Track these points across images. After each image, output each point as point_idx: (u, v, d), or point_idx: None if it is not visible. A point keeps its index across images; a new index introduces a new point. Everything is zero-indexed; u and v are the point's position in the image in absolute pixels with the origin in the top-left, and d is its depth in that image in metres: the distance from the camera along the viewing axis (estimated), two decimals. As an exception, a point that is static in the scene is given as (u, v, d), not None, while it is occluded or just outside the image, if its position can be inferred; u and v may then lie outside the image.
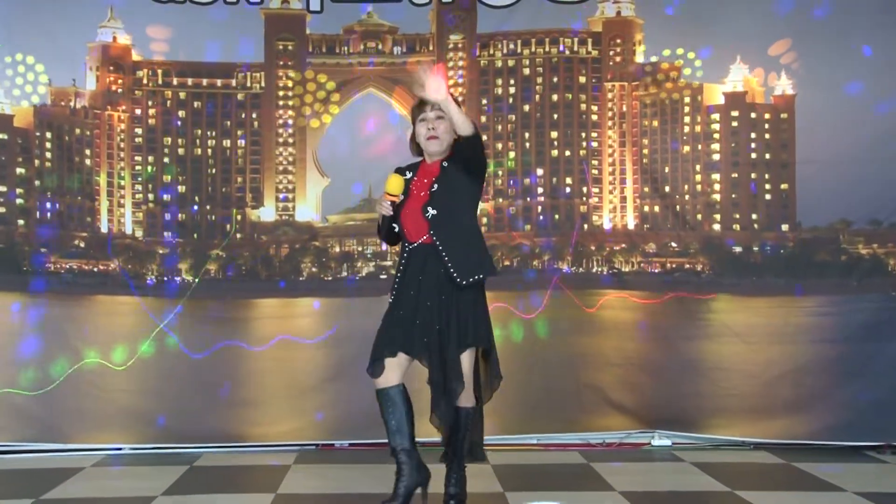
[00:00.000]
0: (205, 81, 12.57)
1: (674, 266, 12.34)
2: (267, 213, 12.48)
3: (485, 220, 13.07)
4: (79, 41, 11.28)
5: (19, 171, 11.09)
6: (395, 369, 7.48)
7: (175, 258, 11.80)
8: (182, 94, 13.33)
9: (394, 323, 7.53)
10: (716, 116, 13.22)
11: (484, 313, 7.70)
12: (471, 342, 7.47)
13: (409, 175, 7.84)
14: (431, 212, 7.45)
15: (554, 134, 14.14)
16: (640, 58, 12.36)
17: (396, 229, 7.79)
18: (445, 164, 7.82)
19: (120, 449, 10.59)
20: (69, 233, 11.11)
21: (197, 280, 11.50)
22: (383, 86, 12.57)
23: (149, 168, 12.05)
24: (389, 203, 7.71)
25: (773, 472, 9.61)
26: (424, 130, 7.72)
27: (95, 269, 11.17)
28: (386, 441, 7.44)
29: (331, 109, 11.92)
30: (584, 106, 13.89)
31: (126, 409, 10.76)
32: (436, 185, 7.70)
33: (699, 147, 13.62)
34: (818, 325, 10.93)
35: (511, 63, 13.19)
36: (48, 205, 11.06)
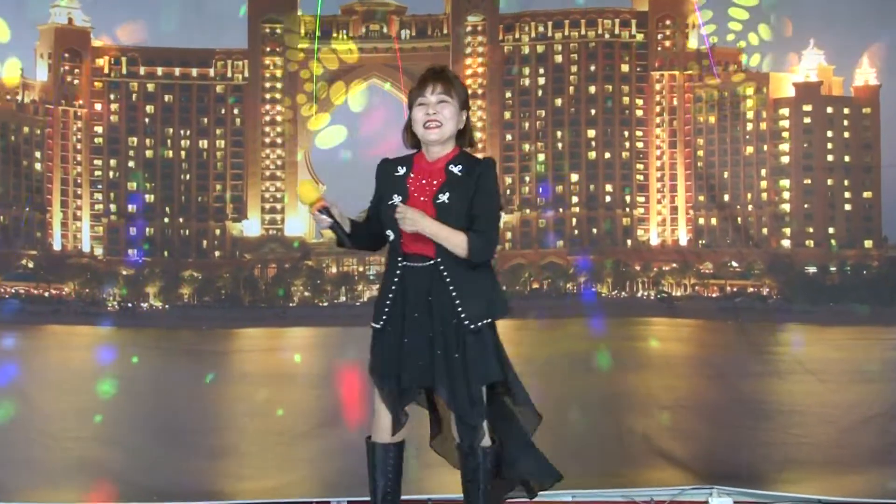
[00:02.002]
0: (177, 71, 12.61)
1: (734, 289, 12.33)
2: (251, 226, 12.50)
3: (508, 234, 13.08)
4: (27, 23, 11.33)
5: (-44, 177, 11.18)
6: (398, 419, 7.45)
7: (142, 280, 11.81)
8: (150, 86, 13.40)
9: (393, 351, 7.48)
10: (784, 111, 13.21)
11: (491, 348, 7.68)
12: (484, 380, 7.47)
13: (402, 171, 7.71)
14: None
15: (591, 132, 14.17)
16: (693, 42, 12.31)
17: (391, 237, 7.64)
18: (456, 168, 7.69)
19: (76, 508, 10.59)
20: (15, 251, 11.17)
21: (168, 306, 11.51)
22: (389, 76, 12.63)
23: (111, 173, 12.06)
24: (324, 215, 7.59)
25: (856, 538, 9.56)
26: (422, 116, 7.43)
27: (47, 294, 11.23)
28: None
29: (327, 104, 11.98)
30: (626, 99, 13.92)
31: (84, 461, 10.76)
32: (444, 196, 7.60)
33: (764, 148, 13.60)
34: (909, 360, 10.90)
35: (540, 49, 13.22)
36: (-10, 217, 11.13)
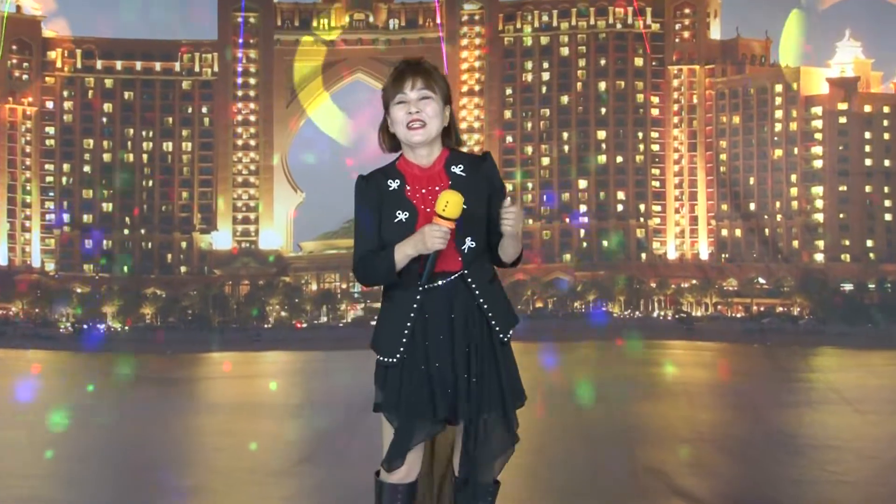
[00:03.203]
0: (139, 65, 12.54)
1: (762, 309, 12.27)
2: (221, 238, 12.41)
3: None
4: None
5: None
6: (417, 458, 7.40)
7: (98, 299, 11.76)
8: (108, 82, 13.33)
9: (419, 384, 7.39)
10: (817, 110, 13.16)
11: (516, 365, 7.74)
12: (518, 399, 7.48)
13: (394, 185, 7.60)
14: (469, 244, 7.27)
15: (601, 133, 14.13)
16: (716, 33, 12.27)
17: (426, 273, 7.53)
18: (458, 169, 7.64)
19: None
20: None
21: (128, 328, 11.48)
22: (376, 70, 12.54)
23: (64, 179, 12.02)
24: (445, 233, 7.17)
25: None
26: (403, 115, 7.39)
27: (-8, 314, 11.17)
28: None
29: (307, 102, 11.91)
30: (641, 97, 13.87)
31: (32, 501, 10.73)
32: (463, 203, 7.59)
33: (795, 151, 13.60)
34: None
35: (544, 40, 13.17)
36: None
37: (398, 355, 7.16)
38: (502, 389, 7.25)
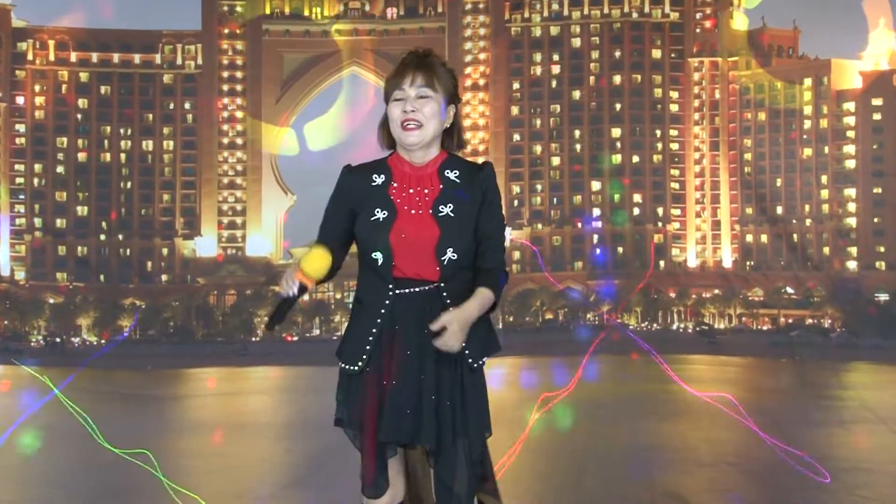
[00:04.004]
0: (116, 57, 12.56)
1: (790, 321, 12.28)
2: (206, 244, 12.44)
3: (516, 254, 13.03)
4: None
5: None
6: (399, 478, 7.41)
7: (72, 310, 11.79)
8: (84, 76, 13.35)
9: (390, 401, 7.40)
10: (849, 106, 13.17)
11: (485, 394, 7.68)
12: (480, 432, 7.44)
13: (379, 180, 7.58)
14: (450, 255, 7.25)
15: (616, 131, 14.14)
16: (739, 22, 12.29)
17: (380, 261, 7.52)
18: (452, 174, 7.61)
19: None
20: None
21: (104, 342, 11.50)
22: (373, 63, 12.55)
23: (35, 181, 12.06)
24: (296, 284, 7.23)
25: None
26: (398, 113, 7.38)
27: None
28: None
29: (298, 96, 11.94)
30: (659, 91, 13.87)
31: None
32: (447, 208, 7.52)
33: (825, 150, 13.60)
34: None
35: (554, 30, 13.18)
36: None
37: (360, 364, 7.16)
38: (466, 419, 7.23)
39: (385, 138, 7.39)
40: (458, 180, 7.31)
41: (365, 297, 7.25)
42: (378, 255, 7.16)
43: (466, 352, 7.20)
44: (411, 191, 7.24)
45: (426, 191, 7.24)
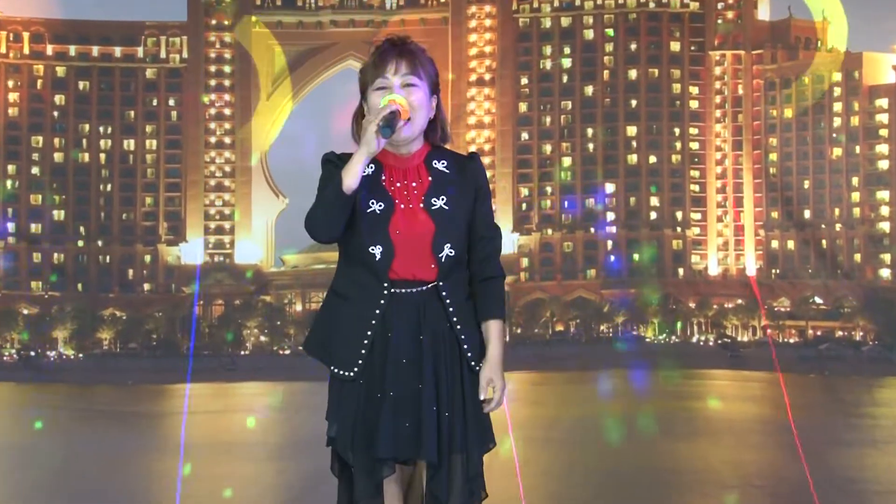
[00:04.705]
0: (96, 50, 12.57)
1: (819, 334, 12.27)
2: (191, 250, 12.44)
3: (525, 261, 13.02)
4: None
5: None
6: (396, 495, 7.42)
7: (48, 322, 11.78)
8: (60, 70, 13.35)
9: (385, 414, 7.40)
10: (882, 102, 13.17)
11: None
12: (483, 443, 7.47)
13: (368, 171, 7.34)
14: (448, 251, 7.27)
15: (632, 129, 14.14)
16: (764, 13, 12.30)
17: (378, 257, 7.45)
18: (440, 165, 7.61)
19: None
20: None
21: (82, 356, 11.49)
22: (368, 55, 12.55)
23: (8, 183, 12.07)
24: (395, 109, 7.17)
25: None
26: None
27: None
28: None
29: (290, 93, 11.94)
30: (677, 87, 13.86)
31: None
32: (440, 200, 7.52)
33: (857, 149, 13.60)
34: None
35: (566, 21, 13.18)
36: None
37: (356, 369, 7.17)
38: (466, 428, 7.23)
39: (360, 131, 7.33)
40: (447, 170, 7.31)
41: (350, 294, 7.24)
42: (375, 251, 7.13)
43: (469, 353, 7.22)
44: (399, 185, 7.26)
45: (414, 184, 7.25)
